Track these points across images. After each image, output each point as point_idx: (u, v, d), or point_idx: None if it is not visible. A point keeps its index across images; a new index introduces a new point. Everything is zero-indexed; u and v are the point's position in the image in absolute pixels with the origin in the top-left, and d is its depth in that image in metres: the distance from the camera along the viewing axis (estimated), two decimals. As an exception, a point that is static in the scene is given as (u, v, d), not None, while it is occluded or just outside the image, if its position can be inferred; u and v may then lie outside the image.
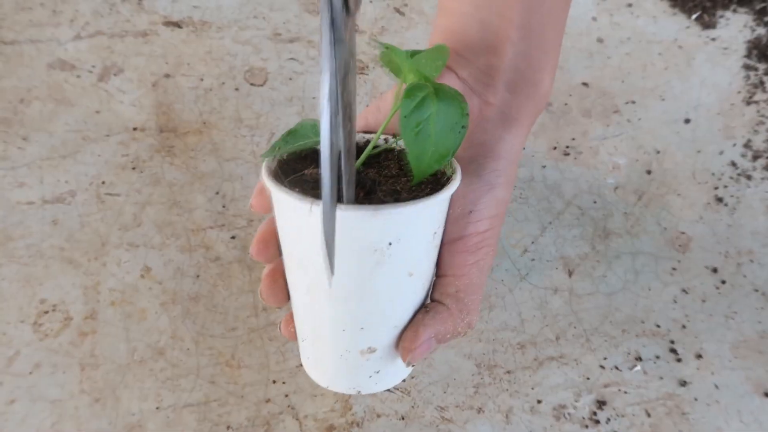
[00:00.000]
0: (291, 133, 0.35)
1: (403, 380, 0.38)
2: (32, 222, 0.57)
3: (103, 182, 0.59)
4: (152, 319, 0.54)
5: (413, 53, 0.33)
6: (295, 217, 0.31)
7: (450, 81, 0.35)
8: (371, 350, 0.34)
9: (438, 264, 0.35)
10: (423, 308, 0.35)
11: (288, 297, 0.36)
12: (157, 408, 0.50)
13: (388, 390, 0.52)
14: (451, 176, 0.33)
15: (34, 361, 0.51)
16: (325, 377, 0.36)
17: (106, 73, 0.65)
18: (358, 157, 0.34)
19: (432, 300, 0.35)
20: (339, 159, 0.26)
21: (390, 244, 0.30)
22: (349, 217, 0.28)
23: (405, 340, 0.33)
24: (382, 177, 0.34)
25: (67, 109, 0.62)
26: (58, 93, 0.63)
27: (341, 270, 0.30)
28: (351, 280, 0.31)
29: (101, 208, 0.58)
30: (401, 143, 0.36)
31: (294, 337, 0.37)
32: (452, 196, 0.34)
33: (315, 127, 0.35)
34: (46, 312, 0.53)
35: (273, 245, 0.35)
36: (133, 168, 0.60)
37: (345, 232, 0.29)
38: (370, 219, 0.29)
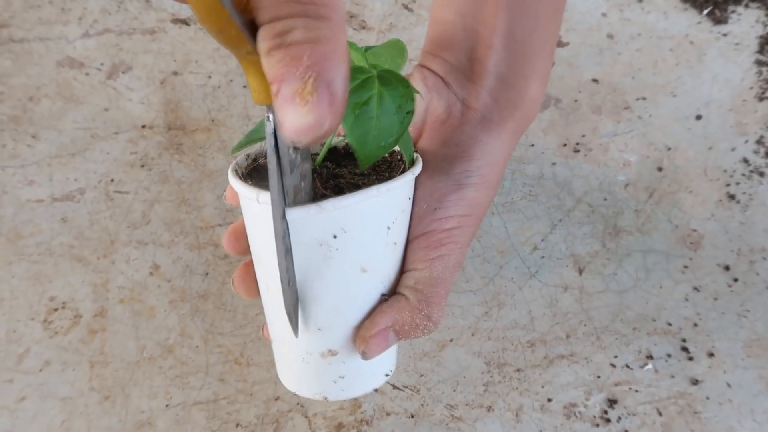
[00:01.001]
0: (255, 131, 0.35)
1: (375, 389, 0.37)
2: (42, 220, 0.57)
3: (112, 180, 0.59)
4: (161, 316, 0.54)
5: (368, 48, 0.33)
6: (248, 208, 0.31)
7: (436, 86, 0.36)
8: (332, 353, 0.33)
9: (403, 262, 0.35)
10: (382, 300, 0.34)
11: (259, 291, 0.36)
12: (166, 406, 0.50)
13: (398, 388, 0.51)
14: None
15: (44, 358, 0.52)
16: (293, 382, 0.36)
17: (115, 71, 0.65)
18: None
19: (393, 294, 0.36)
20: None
21: (335, 236, 0.30)
22: (292, 214, 0.28)
23: (362, 328, 0.33)
24: (350, 174, 0.34)
25: (75, 107, 0.62)
26: (66, 91, 0.63)
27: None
28: (302, 278, 0.31)
29: (110, 205, 0.58)
30: None
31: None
32: (418, 193, 0.34)
33: None
34: (56, 309, 0.54)
35: (244, 239, 0.35)
36: (142, 166, 0.60)
37: (290, 229, 0.29)
38: (313, 214, 0.29)
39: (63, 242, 0.56)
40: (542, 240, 0.59)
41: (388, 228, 0.32)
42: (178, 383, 0.51)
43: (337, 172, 0.33)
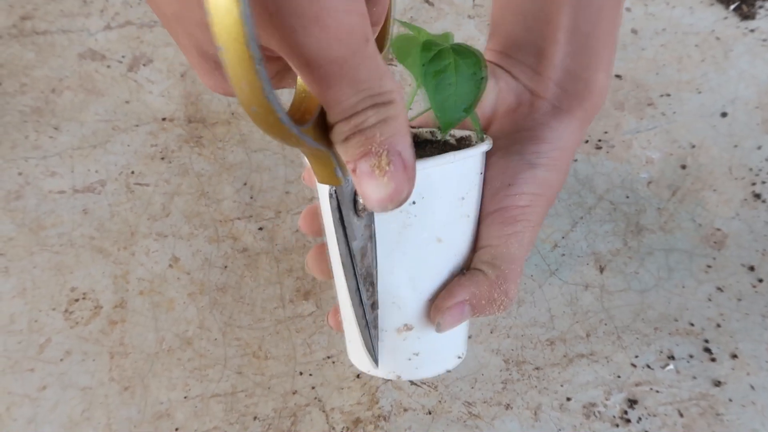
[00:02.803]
0: None
1: (448, 371, 0.37)
2: (63, 211, 0.58)
3: (133, 172, 0.60)
4: (180, 309, 0.54)
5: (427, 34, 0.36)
6: (323, 195, 0.32)
7: (504, 78, 0.37)
8: (408, 328, 0.34)
9: (476, 239, 0.36)
10: (460, 273, 0.35)
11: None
12: (185, 397, 0.50)
13: (415, 384, 0.51)
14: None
15: (64, 348, 0.52)
16: (366, 362, 0.36)
17: (136, 64, 0.65)
18: None
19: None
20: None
21: (414, 202, 0.31)
22: None
23: (438, 299, 0.34)
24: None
25: (97, 99, 0.63)
26: (88, 83, 0.63)
27: None
28: (379, 248, 0.32)
29: (130, 197, 0.58)
30: (438, 134, 0.36)
31: (339, 327, 0.38)
32: (491, 172, 0.35)
33: None
34: (77, 300, 0.54)
35: (318, 220, 0.36)
36: (162, 158, 0.60)
37: None
38: None
39: (84, 233, 0.57)
40: (563, 237, 0.58)
41: (462, 198, 0.33)
42: (196, 375, 0.51)
43: None
